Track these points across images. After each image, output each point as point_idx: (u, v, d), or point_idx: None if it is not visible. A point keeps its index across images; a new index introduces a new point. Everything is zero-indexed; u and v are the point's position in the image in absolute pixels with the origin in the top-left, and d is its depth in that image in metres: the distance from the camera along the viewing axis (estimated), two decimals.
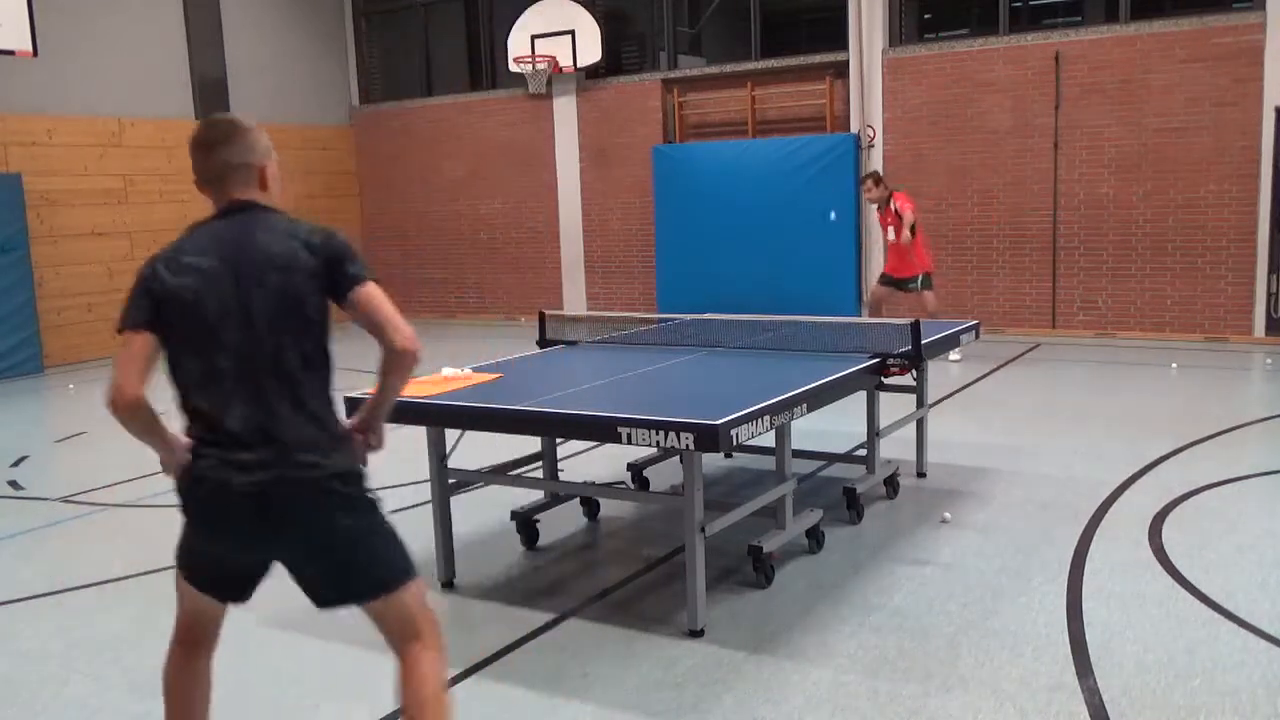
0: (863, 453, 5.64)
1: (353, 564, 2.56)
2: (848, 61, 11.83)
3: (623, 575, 4.64)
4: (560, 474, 5.52)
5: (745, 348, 5.45)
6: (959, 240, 11.54)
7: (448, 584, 4.56)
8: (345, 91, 15.30)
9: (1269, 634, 3.77)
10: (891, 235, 9.82)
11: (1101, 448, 6.48)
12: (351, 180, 15.37)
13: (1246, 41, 9.99)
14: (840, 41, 11.88)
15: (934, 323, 6.25)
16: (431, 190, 14.89)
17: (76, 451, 7.55)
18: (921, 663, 3.65)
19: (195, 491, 2.53)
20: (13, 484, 6.63)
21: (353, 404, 4.33)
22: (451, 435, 4.58)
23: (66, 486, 6.41)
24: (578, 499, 5.44)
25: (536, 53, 13.25)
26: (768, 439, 4.34)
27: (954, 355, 9.43)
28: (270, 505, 2.47)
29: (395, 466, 6.45)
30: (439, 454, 4.53)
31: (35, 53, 10.34)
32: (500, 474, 4.99)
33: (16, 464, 7.16)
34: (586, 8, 13.11)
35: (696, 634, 3.92)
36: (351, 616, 4.33)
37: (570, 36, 13.10)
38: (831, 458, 6.11)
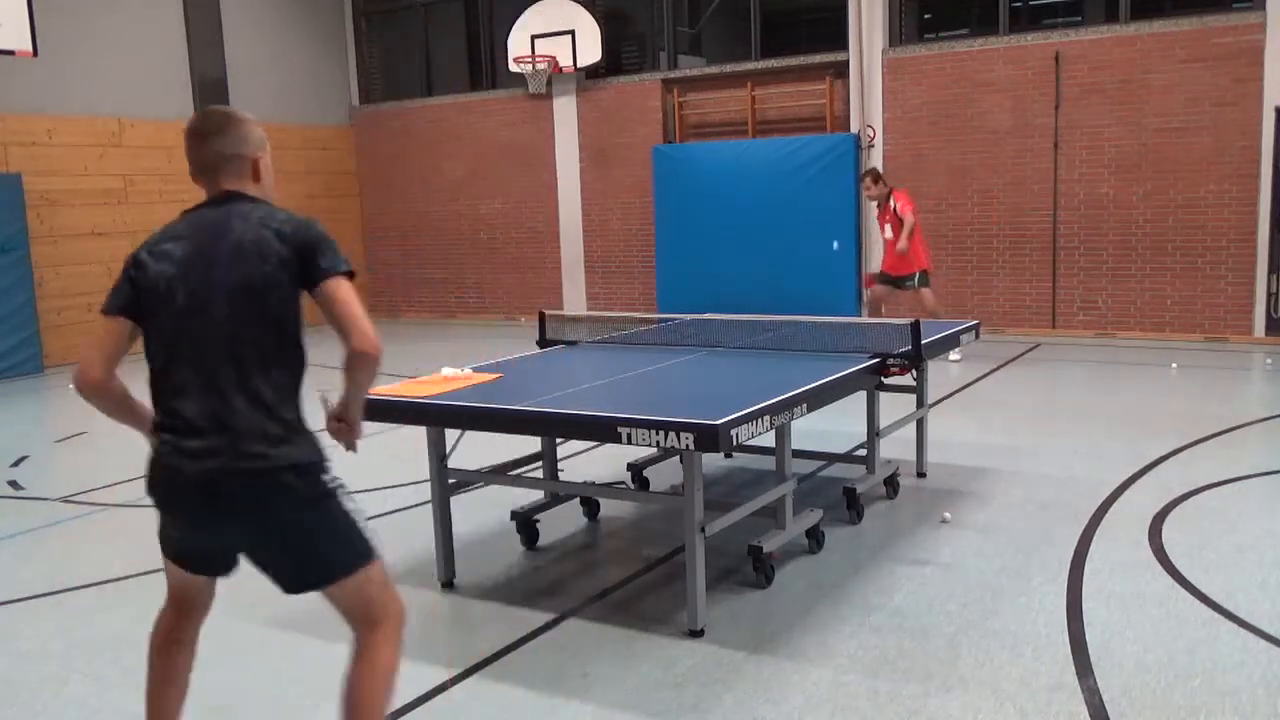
0: (863, 453, 5.64)
1: (305, 553, 2.58)
2: (848, 61, 11.84)
3: (623, 575, 4.64)
4: (560, 474, 5.52)
5: (745, 348, 5.44)
6: (959, 240, 11.54)
7: (448, 584, 4.56)
8: (345, 91, 15.31)
9: (1269, 634, 3.76)
10: (889, 233, 9.82)
11: (1101, 448, 6.48)
12: (351, 180, 15.37)
13: (1246, 41, 9.99)
14: (840, 41, 11.88)
15: (934, 323, 6.25)
16: (431, 190, 14.89)
17: (76, 451, 7.55)
18: (921, 663, 3.65)
19: (153, 476, 2.58)
20: (13, 484, 6.63)
21: None
22: (451, 435, 4.58)
23: (66, 486, 6.41)
24: (578, 499, 5.44)
25: (536, 53, 13.26)
26: (768, 439, 4.33)
27: (954, 355, 9.43)
28: (219, 494, 2.49)
29: (395, 466, 6.46)
30: (439, 454, 4.53)
31: (35, 53, 10.34)
32: (500, 474, 4.99)
33: (16, 464, 7.16)
34: (586, 8, 13.11)
35: (696, 634, 3.92)
36: None
37: (570, 36, 13.11)
38: (831, 458, 6.11)
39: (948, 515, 5.24)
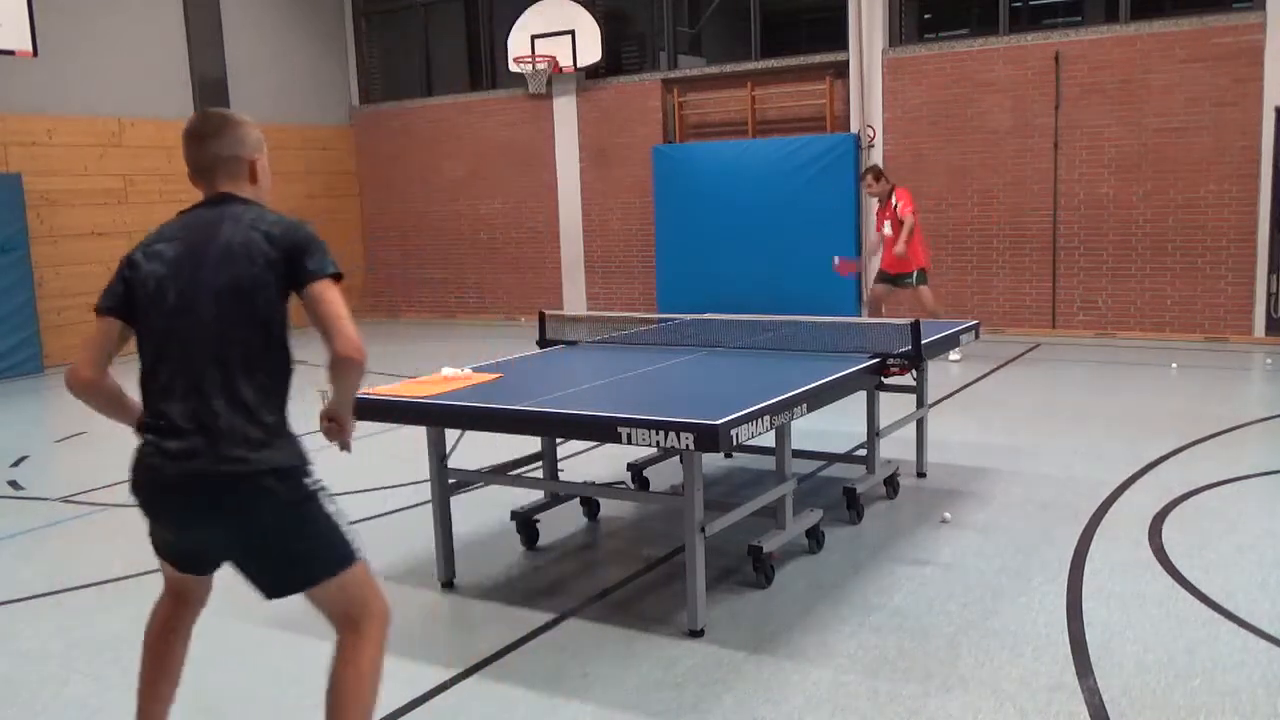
0: (863, 453, 5.64)
1: (286, 556, 2.58)
2: (848, 61, 11.84)
3: (623, 575, 4.64)
4: (560, 474, 5.52)
5: (745, 348, 5.45)
6: (959, 240, 11.54)
7: (448, 584, 4.56)
8: (345, 91, 15.30)
9: (1269, 634, 3.76)
10: (888, 230, 9.81)
11: (1101, 448, 6.48)
12: (351, 180, 15.37)
13: (1246, 41, 9.99)
14: (840, 41, 11.88)
15: (934, 323, 6.26)
16: (431, 190, 14.89)
17: (76, 451, 7.55)
18: (921, 663, 3.65)
19: (136, 477, 2.59)
20: (13, 484, 6.63)
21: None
22: (451, 435, 4.58)
23: (66, 486, 6.41)
24: (578, 499, 5.44)
25: (536, 53, 13.26)
26: (768, 439, 4.33)
27: (954, 355, 9.43)
28: (199, 496, 2.50)
29: (395, 466, 6.46)
30: (439, 454, 4.53)
31: (35, 53, 10.34)
32: (500, 474, 4.99)
33: (16, 464, 7.16)
34: (586, 8, 13.11)
35: (696, 634, 3.92)
36: None
37: (570, 36, 13.10)
38: (831, 458, 6.11)
39: (948, 515, 5.24)
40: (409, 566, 4.82)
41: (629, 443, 3.67)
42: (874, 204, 10.27)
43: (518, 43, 13.43)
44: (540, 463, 5.22)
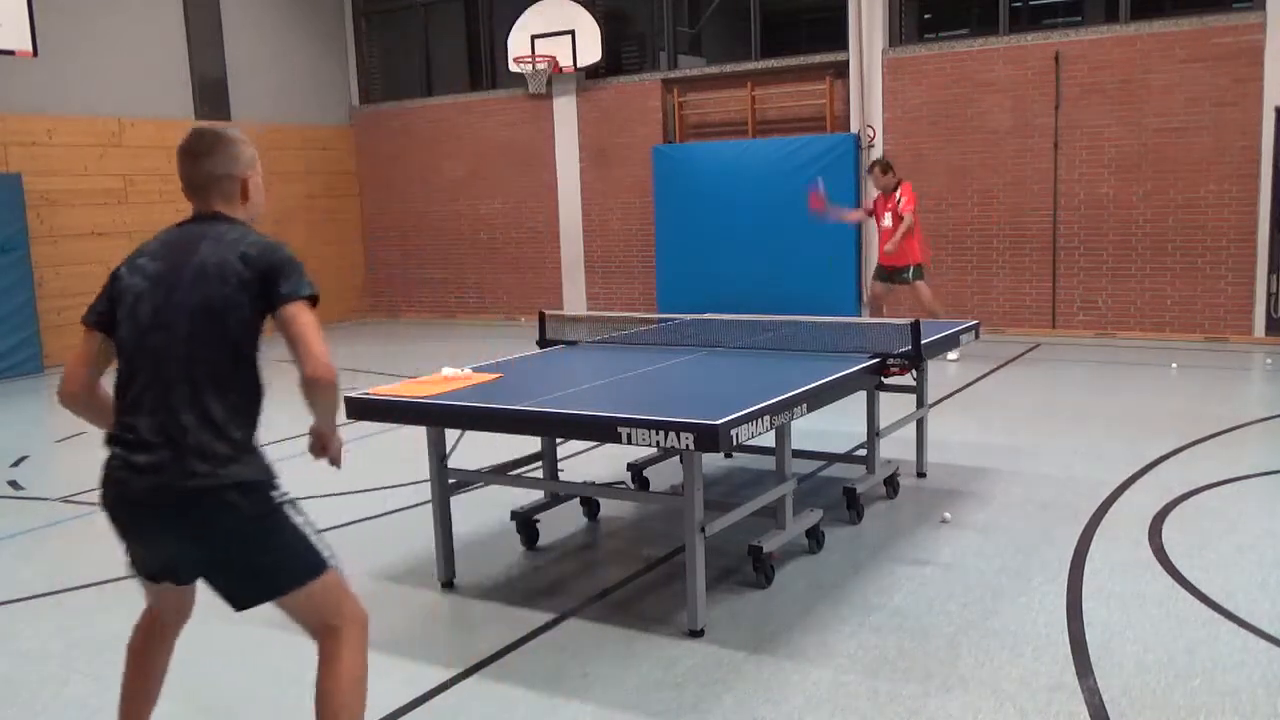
0: (863, 453, 5.64)
1: (251, 567, 2.61)
2: (848, 61, 11.83)
3: (623, 575, 4.64)
4: (560, 474, 5.52)
5: (745, 348, 5.45)
6: (959, 240, 11.54)
7: (448, 584, 4.56)
8: (345, 91, 15.30)
9: (1269, 634, 3.77)
10: (888, 221, 9.81)
11: (1101, 448, 6.48)
12: (351, 180, 15.37)
13: (1246, 41, 9.99)
14: (840, 41, 11.88)
15: (934, 323, 6.26)
16: (431, 190, 14.89)
17: (76, 451, 7.54)
18: (921, 663, 3.65)
19: (104, 490, 2.62)
20: (13, 484, 6.63)
21: (350, 403, 4.36)
22: (451, 435, 4.58)
23: (66, 486, 6.41)
24: (578, 499, 5.44)
25: (536, 53, 13.25)
26: (768, 439, 4.33)
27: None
28: (164, 510, 2.53)
29: (395, 466, 6.46)
30: (439, 454, 4.53)
31: (35, 53, 10.33)
32: (500, 474, 4.99)
33: (16, 464, 7.16)
34: (586, 8, 13.11)
35: (696, 634, 3.92)
36: None
37: (570, 36, 13.10)
38: (831, 458, 6.11)
39: (948, 515, 5.24)
40: (409, 566, 4.82)
41: (629, 443, 3.67)
42: (873, 197, 10.23)
43: (518, 43, 13.43)
44: (540, 463, 5.22)
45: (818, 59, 12.17)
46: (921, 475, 5.98)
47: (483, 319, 14.71)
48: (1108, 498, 5.46)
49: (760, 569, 4.36)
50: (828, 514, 5.01)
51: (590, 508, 5.48)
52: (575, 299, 13.99)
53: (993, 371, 9.28)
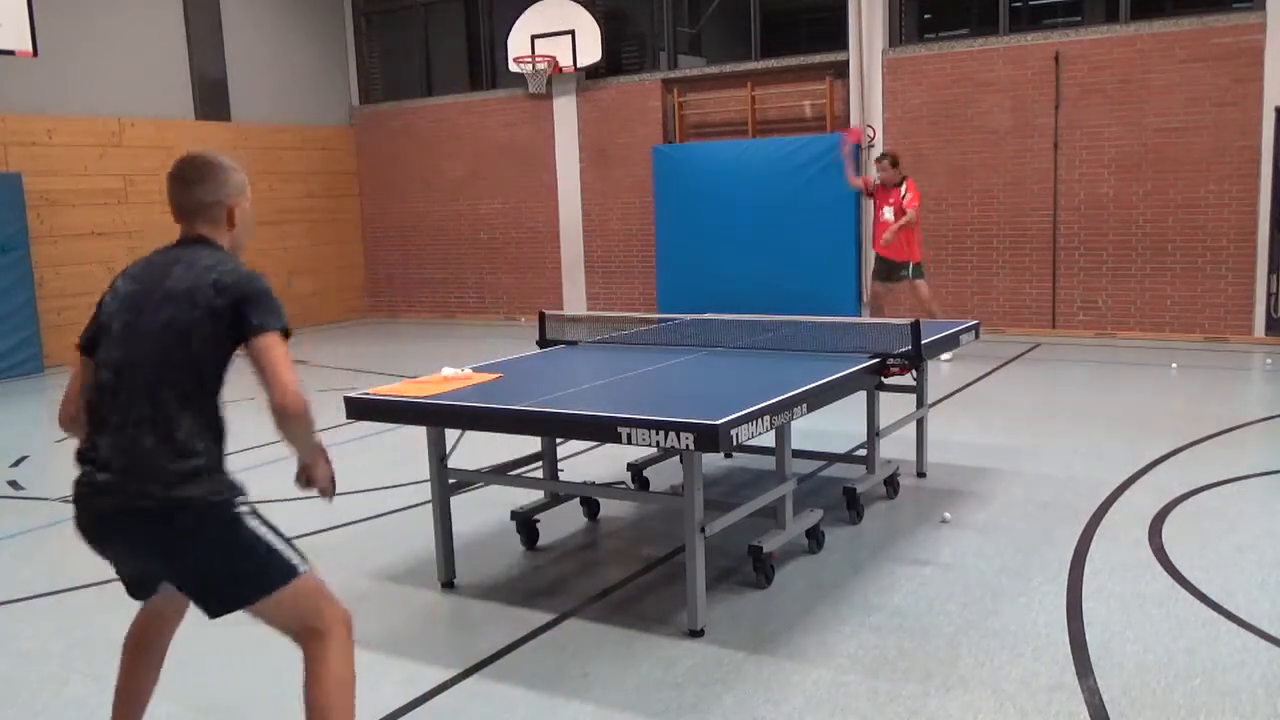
0: (863, 453, 5.64)
1: (215, 579, 2.63)
2: (848, 61, 11.83)
3: (623, 575, 4.64)
4: (560, 474, 5.52)
5: (745, 348, 5.45)
6: (959, 240, 11.54)
7: (448, 584, 4.56)
8: (345, 91, 15.30)
9: (1269, 634, 3.77)
10: (887, 214, 9.81)
11: (1101, 448, 6.48)
12: (351, 180, 15.37)
13: (1246, 41, 9.99)
14: (840, 41, 11.88)
15: (934, 323, 6.26)
16: (431, 190, 14.89)
17: None
18: (921, 663, 3.65)
19: (75, 509, 2.67)
20: (13, 484, 6.63)
21: (350, 403, 4.36)
22: (451, 435, 4.58)
23: (66, 487, 6.35)
24: (578, 499, 5.44)
25: (536, 53, 13.26)
26: (768, 439, 4.33)
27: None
28: (124, 528, 2.58)
29: (395, 466, 6.46)
30: (439, 454, 4.53)
31: (35, 53, 10.34)
32: (500, 474, 4.99)
33: (16, 464, 7.16)
34: (586, 8, 13.11)
35: (696, 634, 3.92)
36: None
37: (570, 36, 13.11)
38: (831, 458, 6.11)
39: (948, 515, 5.24)
40: (409, 566, 4.82)
41: (629, 443, 3.67)
42: (874, 178, 10.23)
43: (518, 43, 13.43)
44: (540, 463, 5.22)
45: (818, 59, 12.16)
46: (921, 475, 5.98)
47: (483, 319, 14.71)
48: (1108, 498, 5.46)
49: (760, 569, 4.36)
50: (828, 514, 5.01)
51: (590, 508, 5.48)
52: (575, 299, 13.99)
53: (993, 371, 9.28)
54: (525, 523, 5.06)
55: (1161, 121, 10.45)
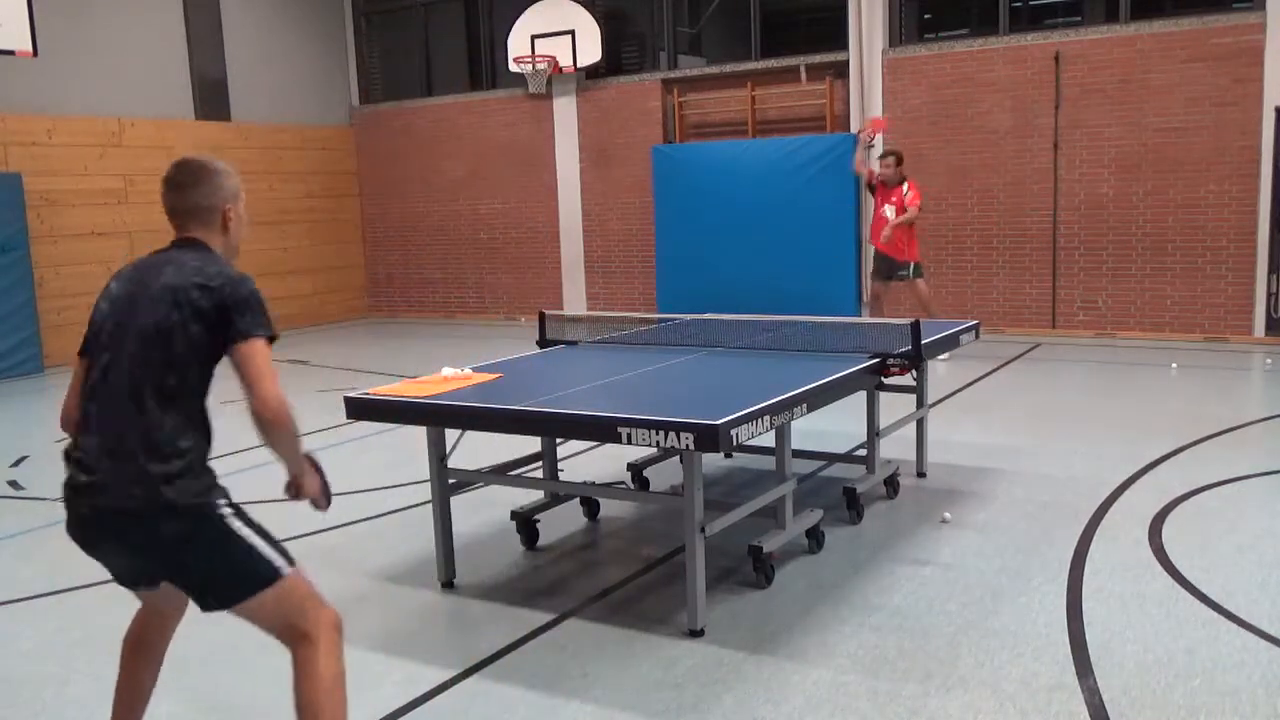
0: (863, 453, 5.64)
1: (198, 579, 2.64)
2: (848, 61, 11.83)
3: (623, 575, 4.64)
4: (560, 474, 5.52)
5: (745, 348, 5.44)
6: (959, 240, 11.54)
7: (448, 584, 4.56)
8: (345, 91, 15.30)
9: (1269, 634, 3.77)
10: (888, 212, 9.81)
11: (1101, 448, 6.48)
12: (351, 180, 15.37)
13: (1246, 41, 9.99)
14: (840, 41, 11.88)
15: (934, 322, 6.25)
16: (431, 190, 14.89)
17: None
18: (921, 663, 3.65)
19: (65, 509, 2.67)
20: (13, 484, 6.63)
21: (350, 403, 4.36)
22: (451, 435, 4.58)
23: None
24: (578, 499, 5.43)
25: (536, 53, 13.26)
26: (768, 439, 4.33)
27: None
28: (104, 529, 2.60)
29: (395, 466, 6.46)
30: (439, 454, 4.53)
31: (35, 53, 10.34)
32: (500, 474, 4.99)
33: (16, 464, 7.16)
34: (586, 8, 13.11)
35: (696, 634, 3.92)
36: (348, 618, 4.33)
37: (570, 36, 13.11)
38: (831, 458, 6.11)
39: (948, 515, 5.24)
40: (409, 566, 4.82)
41: (629, 443, 3.67)
42: (870, 194, 10.23)
43: (518, 43, 13.43)
44: (540, 463, 5.22)
45: (818, 59, 12.16)
46: (921, 475, 5.98)
47: (483, 319, 14.71)
48: (1108, 498, 5.46)
49: (760, 569, 4.36)
50: (828, 514, 5.01)
51: (590, 508, 5.48)
52: (575, 299, 13.99)
53: (993, 371, 9.28)
54: (525, 523, 5.06)
55: (1161, 121, 10.45)
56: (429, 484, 4.58)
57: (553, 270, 14.16)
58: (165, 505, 2.54)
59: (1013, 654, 3.69)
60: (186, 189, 2.81)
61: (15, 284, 10.91)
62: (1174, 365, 9.25)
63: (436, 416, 4.26)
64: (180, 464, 2.58)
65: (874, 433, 5.41)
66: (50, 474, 6.95)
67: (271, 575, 2.64)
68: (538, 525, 5.10)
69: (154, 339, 2.60)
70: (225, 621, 2.73)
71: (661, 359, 5.16)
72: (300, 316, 14.37)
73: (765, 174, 12.14)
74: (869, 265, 10.88)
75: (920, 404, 5.91)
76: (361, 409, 4.37)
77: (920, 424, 5.99)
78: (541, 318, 5.86)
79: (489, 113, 14.31)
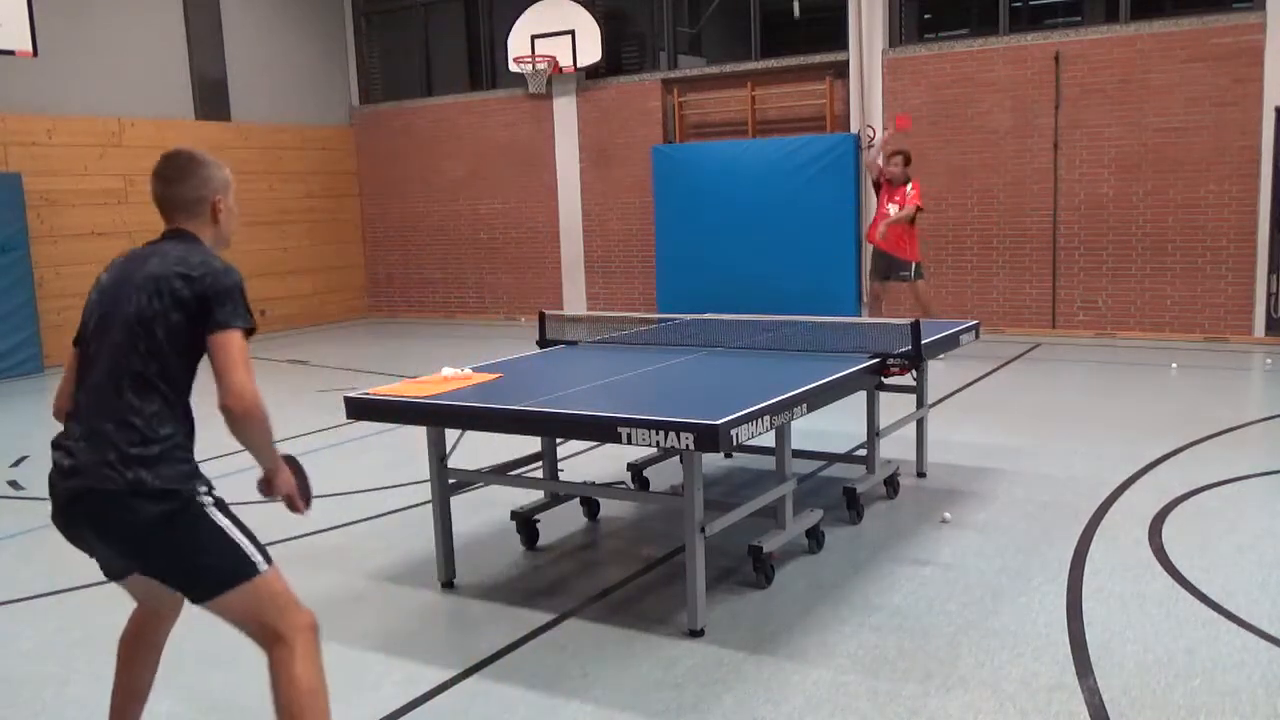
0: (863, 453, 5.64)
1: (172, 569, 2.63)
2: (848, 61, 11.84)
3: (623, 575, 4.64)
4: (560, 474, 5.52)
5: (745, 348, 5.44)
6: (959, 240, 11.54)
7: (448, 584, 4.56)
8: (345, 91, 15.30)
9: (1269, 634, 3.77)
10: (891, 210, 9.81)
11: (1101, 448, 6.48)
12: (351, 180, 15.37)
13: (1246, 41, 9.99)
14: (840, 41, 11.88)
15: (934, 322, 6.25)
16: (431, 190, 14.89)
17: None
18: (921, 663, 3.65)
19: (49, 489, 2.69)
20: (13, 484, 6.63)
21: (350, 403, 4.36)
22: (451, 435, 4.58)
23: None
24: (578, 499, 5.43)
25: (536, 53, 13.26)
26: (768, 439, 4.33)
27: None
28: (80, 512, 2.60)
29: (395, 466, 6.46)
30: (439, 454, 4.53)
31: (35, 53, 10.34)
32: (500, 474, 4.99)
33: (16, 464, 7.16)
34: (586, 8, 13.11)
35: (696, 634, 3.92)
36: (348, 618, 4.33)
37: (570, 36, 13.11)
38: (831, 458, 6.11)
39: (948, 515, 5.24)
40: (409, 566, 4.82)
41: (629, 443, 3.67)
42: (875, 185, 10.22)
43: (518, 43, 13.43)
44: (540, 463, 5.22)
45: (818, 59, 12.17)
46: (921, 475, 5.98)
47: (483, 319, 14.71)
48: (1108, 498, 5.46)
49: (760, 569, 4.36)
50: (828, 514, 5.01)
51: (590, 508, 5.48)
52: (575, 299, 13.99)
53: (993, 371, 9.28)
54: (525, 523, 5.06)
55: (1161, 121, 10.45)
56: (429, 484, 4.58)
57: (553, 270, 14.16)
58: (142, 488, 2.53)
59: (1013, 654, 3.69)
60: (175, 181, 2.84)
61: (15, 284, 10.91)
62: (1174, 365, 9.25)
63: (436, 416, 4.26)
64: (159, 448, 2.58)
65: (874, 433, 5.41)
66: None
67: (248, 571, 2.62)
68: (538, 525, 5.09)
69: (136, 328, 2.61)
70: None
71: (661, 359, 5.16)
72: (300, 316, 14.37)
73: (765, 174, 12.14)
74: (869, 264, 10.88)
75: (920, 404, 5.91)
76: (361, 409, 4.37)
77: (920, 424, 5.99)
78: (541, 318, 5.86)
79: (489, 113, 14.31)
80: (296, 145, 14.25)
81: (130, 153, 12.22)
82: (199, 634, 2.96)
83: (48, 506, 2.68)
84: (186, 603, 2.86)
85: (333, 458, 6.71)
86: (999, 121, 11.19)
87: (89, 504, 2.57)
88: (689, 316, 6.60)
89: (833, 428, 6.42)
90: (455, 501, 4.66)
